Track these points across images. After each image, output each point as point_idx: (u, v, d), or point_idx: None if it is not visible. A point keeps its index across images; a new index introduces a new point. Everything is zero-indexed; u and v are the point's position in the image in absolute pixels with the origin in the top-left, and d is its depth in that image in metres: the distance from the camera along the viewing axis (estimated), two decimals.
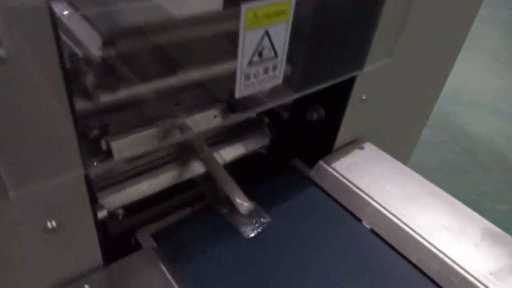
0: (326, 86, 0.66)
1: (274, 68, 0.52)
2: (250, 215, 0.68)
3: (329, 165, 0.75)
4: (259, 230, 0.66)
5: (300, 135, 0.81)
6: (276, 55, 0.51)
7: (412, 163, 2.78)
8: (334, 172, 0.73)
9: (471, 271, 0.58)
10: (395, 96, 0.81)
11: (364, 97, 0.73)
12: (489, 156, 2.76)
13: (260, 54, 0.49)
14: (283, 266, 0.62)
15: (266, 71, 0.52)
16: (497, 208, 2.44)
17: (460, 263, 0.59)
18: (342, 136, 0.76)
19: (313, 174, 0.76)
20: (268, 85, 0.53)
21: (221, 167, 0.70)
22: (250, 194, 0.73)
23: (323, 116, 0.76)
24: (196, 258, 0.62)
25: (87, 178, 0.47)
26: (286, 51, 0.52)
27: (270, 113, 0.86)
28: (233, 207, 0.67)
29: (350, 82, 0.69)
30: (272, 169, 0.81)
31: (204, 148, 0.72)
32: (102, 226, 0.66)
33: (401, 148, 1.02)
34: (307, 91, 0.63)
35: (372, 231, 0.68)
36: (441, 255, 0.61)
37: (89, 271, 0.55)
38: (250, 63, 0.49)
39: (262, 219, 0.68)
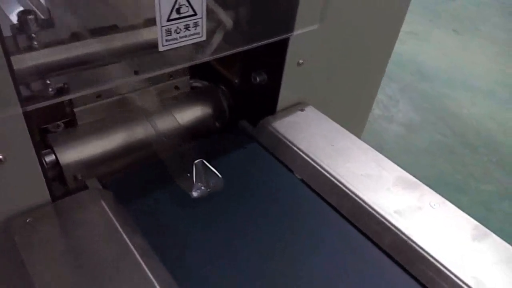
0: (264, 49, 0.73)
1: (196, 25, 0.60)
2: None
3: (269, 124, 0.82)
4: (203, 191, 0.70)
5: (247, 98, 0.89)
6: (195, 12, 0.58)
7: (398, 143, 2.83)
8: (273, 130, 0.81)
9: (378, 209, 0.65)
10: (334, 62, 0.87)
11: (301, 61, 0.79)
12: (478, 138, 2.79)
13: (178, 11, 0.57)
14: (219, 213, 0.69)
15: (187, 27, 0.59)
16: (481, 188, 2.47)
17: (369, 203, 0.66)
18: (284, 98, 0.83)
19: (255, 132, 0.83)
20: (190, 41, 0.60)
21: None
22: (197, 151, 0.80)
23: (265, 79, 0.82)
24: (140, 202, 0.70)
25: (27, 117, 0.55)
26: (205, 10, 0.59)
27: (223, 80, 0.94)
28: (181, 169, 0.73)
29: (285, 45, 0.76)
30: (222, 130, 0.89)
31: (156, 111, 0.79)
32: (58, 177, 0.75)
33: (352, 119, 1.08)
34: (237, 49, 0.70)
35: (302, 181, 0.75)
36: (354, 197, 0.68)
37: (36, 207, 0.63)
38: (169, 19, 0.56)
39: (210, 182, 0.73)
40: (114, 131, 0.79)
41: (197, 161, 0.68)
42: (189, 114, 0.88)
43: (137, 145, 0.80)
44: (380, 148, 2.91)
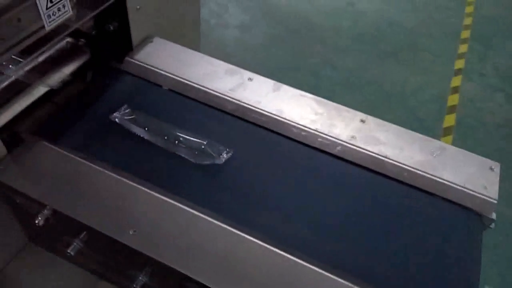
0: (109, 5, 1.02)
1: (64, 6, 0.88)
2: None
3: (131, 57, 1.14)
4: None
5: (106, 43, 1.18)
6: None
7: (237, 43, 3.26)
8: (135, 61, 1.14)
9: (215, 89, 1.06)
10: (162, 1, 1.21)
11: (138, 7, 1.11)
12: (299, 23, 3.36)
13: (51, 1, 0.84)
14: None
15: (59, 9, 0.87)
16: (308, 61, 3.09)
17: (208, 86, 1.07)
18: (136, 35, 1.15)
19: (123, 66, 1.15)
20: (64, 17, 0.89)
21: None
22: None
23: (117, 25, 1.13)
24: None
25: None
26: None
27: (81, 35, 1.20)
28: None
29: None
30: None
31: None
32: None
33: (188, 37, 1.44)
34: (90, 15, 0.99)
35: (170, 90, 1.12)
36: (201, 87, 1.08)
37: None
38: (47, 7, 0.84)
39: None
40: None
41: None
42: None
43: None
44: (223, 51, 3.43)
